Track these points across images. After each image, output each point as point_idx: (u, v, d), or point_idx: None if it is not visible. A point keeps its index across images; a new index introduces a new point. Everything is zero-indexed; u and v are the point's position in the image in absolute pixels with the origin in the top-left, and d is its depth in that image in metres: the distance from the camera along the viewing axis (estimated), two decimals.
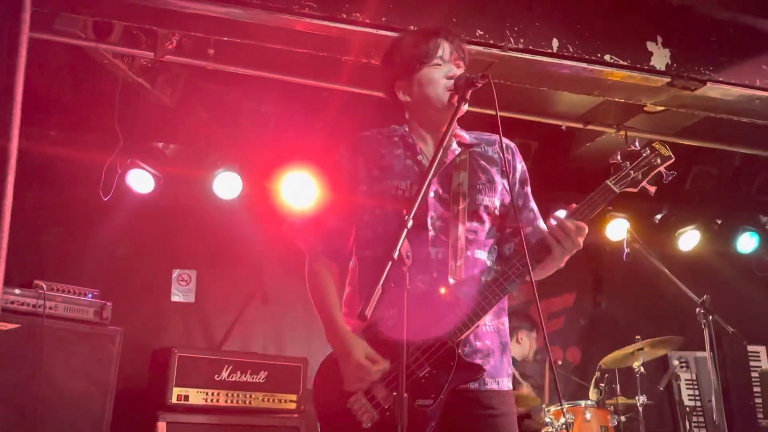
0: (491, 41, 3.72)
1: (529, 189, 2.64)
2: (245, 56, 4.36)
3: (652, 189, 2.40)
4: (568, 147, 6.13)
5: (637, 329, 5.69)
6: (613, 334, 6.15)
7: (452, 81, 2.42)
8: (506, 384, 2.44)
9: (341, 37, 3.72)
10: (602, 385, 4.98)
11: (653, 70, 4.01)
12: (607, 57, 3.93)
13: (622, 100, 4.53)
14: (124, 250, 5.46)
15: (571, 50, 3.86)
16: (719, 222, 6.78)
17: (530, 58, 3.81)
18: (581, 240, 2.34)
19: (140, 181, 5.34)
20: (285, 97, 5.35)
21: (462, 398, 2.32)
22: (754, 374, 6.58)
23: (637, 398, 4.96)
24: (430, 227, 2.40)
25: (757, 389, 6.32)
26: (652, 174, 2.37)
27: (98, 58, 4.39)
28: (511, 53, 3.77)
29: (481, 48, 3.72)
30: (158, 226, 5.57)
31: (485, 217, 2.47)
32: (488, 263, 2.49)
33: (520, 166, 2.62)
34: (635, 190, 2.39)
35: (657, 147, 2.40)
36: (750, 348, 6.82)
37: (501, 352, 2.46)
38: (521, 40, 3.77)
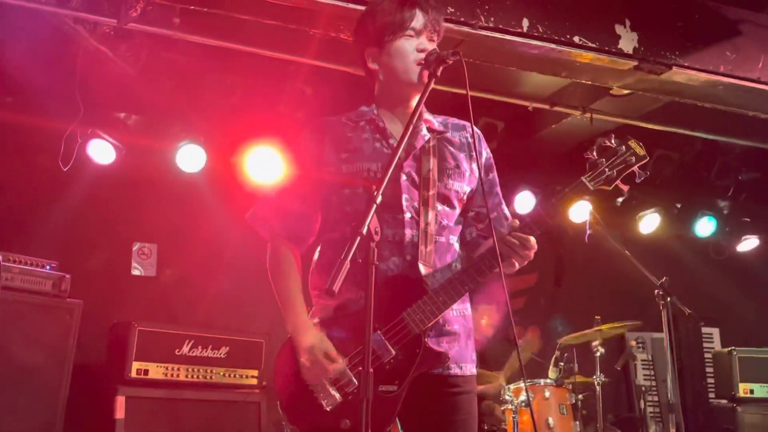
0: (462, 19, 3.70)
1: (494, 175, 2.63)
2: (212, 26, 4.27)
3: (626, 188, 2.40)
4: (534, 128, 6.15)
5: (598, 310, 5.78)
6: (574, 314, 6.24)
7: (423, 54, 2.38)
8: (470, 369, 2.46)
9: (311, 9, 3.67)
10: (561, 363, 5.06)
11: (621, 53, 4.04)
12: (576, 39, 3.94)
13: (589, 82, 4.55)
14: (83, 222, 5.34)
15: (540, 30, 3.86)
16: (679, 206, 6.91)
17: (500, 37, 3.80)
18: (530, 253, 2.39)
19: (101, 151, 5.22)
20: (251, 70, 5.26)
21: (425, 381, 2.32)
22: (707, 355, 6.75)
23: (594, 377, 5.05)
24: (405, 209, 2.37)
25: (709, 370, 6.48)
26: (627, 173, 2.36)
27: (58, 23, 4.26)
28: (482, 32, 3.76)
29: (451, 25, 3.69)
30: (119, 197, 5.47)
31: (455, 202, 2.47)
32: (457, 248, 2.49)
33: (485, 152, 2.61)
34: (609, 188, 2.39)
35: (633, 146, 2.37)
36: (704, 330, 6.99)
37: (466, 336, 2.47)
38: (492, 19, 3.76)
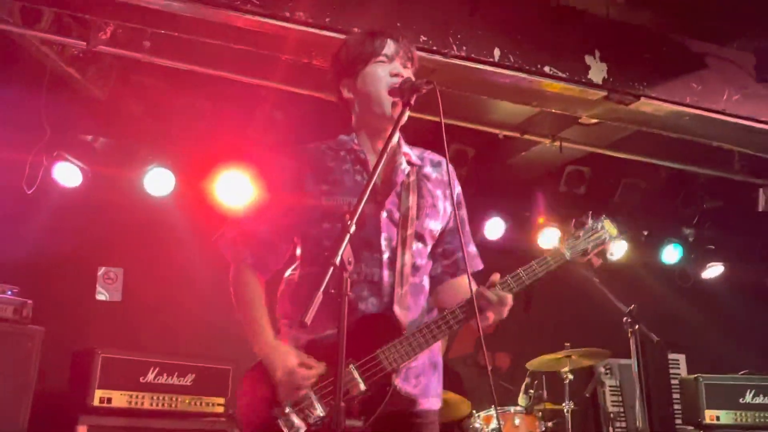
0: (434, 47, 3.72)
1: (464, 212, 2.63)
2: (182, 50, 4.25)
3: (598, 262, 2.54)
4: (504, 155, 6.21)
5: (567, 336, 5.80)
6: (543, 341, 6.24)
7: (397, 79, 2.37)
8: (435, 404, 2.45)
9: (282, 35, 3.67)
10: (531, 391, 5.06)
11: (590, 84, 4.10)
12: (546, 68, 3.99)
13: (559, 111, 4.61)
14: (47, 246, 5.23)
15: (512, 60, 3.90)
16: (646, 233, 6.98)
17: (472, 66, 3.84)
18: (505, 309, 2.43)
19: (67, 174, 5.14)
20: (221, 94, 5.24)
21: (390, 416, 2.29)
22: (674, 382, 6.79)
23: (564, 404, 5.05)
24: (384, 249, 2.33)
25: (676, 396, 6.51)
26: (600, 248, 2.51)
27: (25, 44, 4.20)
28: (454, 60, 3.79)
29: (424, 54, 3.71)
30: (85, 221, 5.37)
31: (429, 240, 2.46)
32: (428, 286, 2.49)
33: (458, 188, 2.59)
34: (583, 259, 2.52)
35: (606, 225, 2.53)
36: (670, 356, 7.04)
37: (432, 370, 2.45)
38: (464, 48, 3.79)
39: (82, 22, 3.98)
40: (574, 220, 2.52)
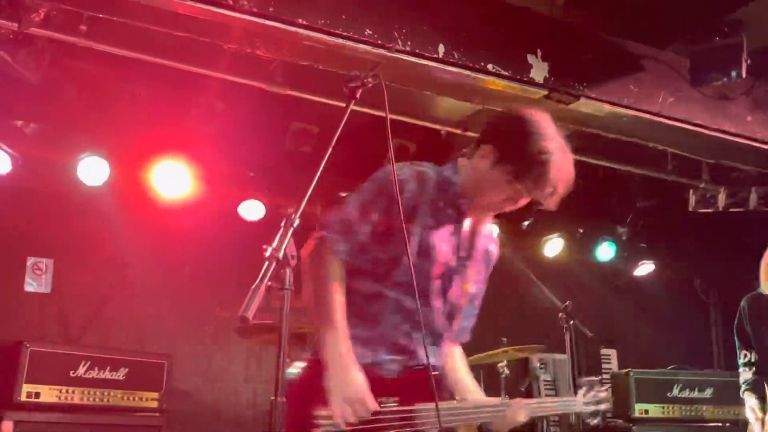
0: (379, 41, 3.71)
1: None
2: (120, 35, 4.11)
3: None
4: (446, 151, 6.23)
5: (504, 331, 5.88)
6: (482, 336, 6.30)
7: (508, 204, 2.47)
8: None
9: (225, 24, 3.59)
10: None
11: (532, 82, 4.15)
12: (489, 66, 4.02)
13: (501, 109, 4.64)
14: None
15: (456, 57, 3.92)
16: (581, 231, 7.12)
17: (416, 61, 3.83)
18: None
19: None
20: (160, 82, 5.10)
21: None
22: (605, 376, 6.96)
23: (499, 398, 5.10)
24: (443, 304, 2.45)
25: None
26: (597, 407, 2.79)
27: None
28: (398, 55, 3.77)
29: (368, 47, 3.70)
30: (13, 210, 5.18)
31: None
32: None
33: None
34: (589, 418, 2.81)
35: (605, 395, 2.81)
36: (603, 351, 7.22)
37: None
38: (409, 43, 3.78)
39: (13, 2, 3.81)
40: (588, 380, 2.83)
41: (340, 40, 3.60)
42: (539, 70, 4.16)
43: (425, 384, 2.24)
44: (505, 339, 5.28)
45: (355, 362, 2.19)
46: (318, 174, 2.13)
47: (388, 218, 2.30)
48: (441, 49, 3.87)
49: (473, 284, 2.54)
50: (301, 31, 3.52)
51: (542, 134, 2.39)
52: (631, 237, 7.26)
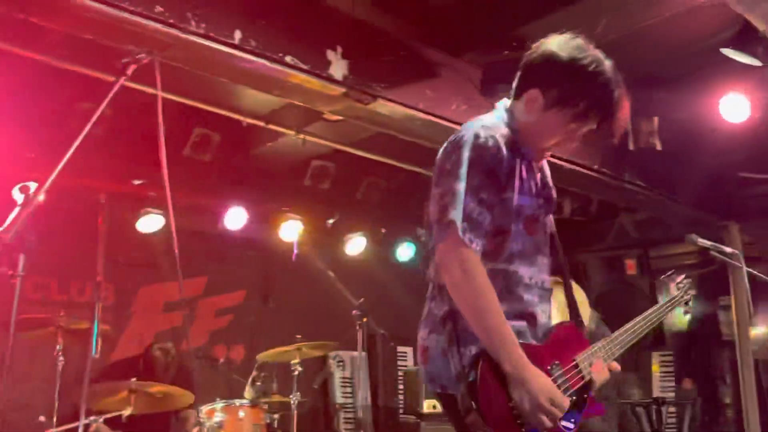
0: (170, 20, 3.51)
1: None
2: None
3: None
4: (250, 144, 6.12)
5: (302, 328, 5.85)
6: (278, 333, 6.24)
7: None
8: None
9: None
10: (258, 383, 5.01)
11: (331, 79, 4.13)
12: (288, 58, 3.95)
13: (301, 104, 4.61)
14: None
15: (253, 45, 3.81)
16: (384, 231, 7.27)
17: (210, 45, 3.68)
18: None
19: None
20: None
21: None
22: (400, 373, 7.16)
23: (291, 396, 5.07)
24: (548, 254, 2.44)
25: (401, 387, 6.87)
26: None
27: None
28: (191, 37, 3.60)
29: (158, 25, 3.49)
30: None
31: None
32: None
33: None
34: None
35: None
36: (400, 349, 7.41)
37: None
38: (203, 25, 3.62)
39: None
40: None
41: (125, 14, 3.37)
42: (339, 68, 4.15)
43: (568, 338, 2.31)
44: (299, 336, 5.24)
45: (535, 370, 2.11)
46: (71, 151, 1.96)
47: (493, 192, 2.19)
48: (237, 35, 3.75)
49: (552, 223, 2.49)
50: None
51: (595, 66, 2.26)
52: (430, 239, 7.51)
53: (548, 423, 2.06)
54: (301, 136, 5.42)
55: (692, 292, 3.02)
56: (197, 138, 5.79)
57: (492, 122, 2.32)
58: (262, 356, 5.17)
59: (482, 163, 2.16)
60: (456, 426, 2.19)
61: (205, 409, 4.68)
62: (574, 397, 2.21)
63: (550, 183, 2.47)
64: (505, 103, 2.41)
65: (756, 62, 3.96)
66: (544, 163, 2.48)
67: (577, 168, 5.54)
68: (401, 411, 6.57)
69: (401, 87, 4.43)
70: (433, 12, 4.66)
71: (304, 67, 4.01)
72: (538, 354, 2.18)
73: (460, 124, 4.69)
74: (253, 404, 4.86)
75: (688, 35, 4.68)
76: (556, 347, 2.26)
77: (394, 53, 4.46)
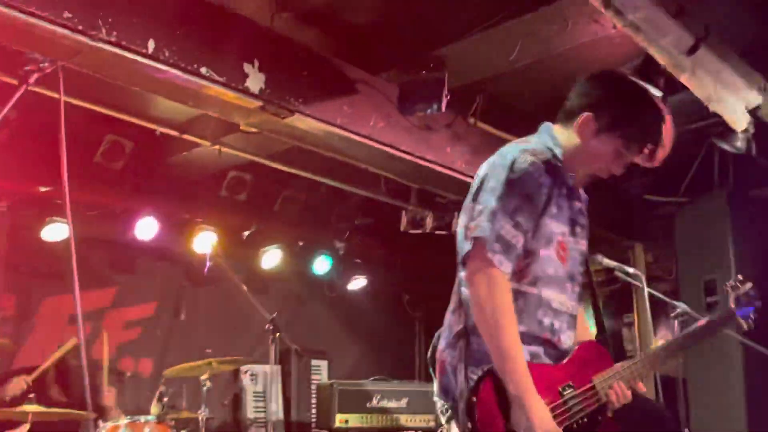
0: (80, 27, 3.40)
1: None
2: None
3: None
4: (164, 153, 5.98)
5: (214, 342, 5.75)
6: (190, 346, 6.12)
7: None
8: None
9: None
10: (165, 399, 4.89)
11: (247, 92, 4.09)
12: (203, 70, 3.90)
13: (216, 115, 4.55)
14: None
15: (167, 55, 3.74)
16: (301, 244, 7.24)
17: (122, 54, 3.59)
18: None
19: None
20: None
21: None
22: (314, 388, 7.12)
23: (199, 412, 4.97)
24: (580, 283, 2.45)
25: (315, 402, 6.83)
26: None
27: None
28: (101, 45, 3.50)
29: (67, 32, 3.38)
30: None
31: None
32: None
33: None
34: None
35: None
36: (314, 363, 7.38)
37: None
38: (114, 33, 3.53)
39: None
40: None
41: (33, 19, 3.25)
42: (256, 81, 4.12)
43: (589, 359, 2.30)
44: (209, 350, 5.15)
45: (540, 399, 2.12)
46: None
47: (529, 217, 2.23)
48: (151, 44, 3.67)
49: (587, 251, 2.50)
50: None
51: (646, 94, 2.36)
52: (347, 252, 7.53)
53: None
54: (217, 146, 5.34)
55: (758, 303, 2.79)
56: (108, 145, 5.63)
57: (536, 145, 2.36)
58: (170, 371, 5.05)
59: (522, 187, 2.21)
60: None
61: (108, 425, 4.53)
62: (585, 420, 2.23)
63: (585, 211, 2.51)
64: (548, 127, 2.46)
65: (657, 92, 4.13)
66: (582, 192, 2.53)
67: None
68: (314, 426, 6.54)
69: (319, 102, 4.42)
70: (354, 29, 4.69)
71: (220, 79, 3.96)
72: (552, 375, 2.22)
73: (377, 141, 4.80)
74: (160, 421, 4.74)
75: (598, 63, 4.86)
76: (575, 367, 2.28)
77: (312, 68, 4.46)
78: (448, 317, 2.35)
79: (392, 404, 6.33)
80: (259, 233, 6.80)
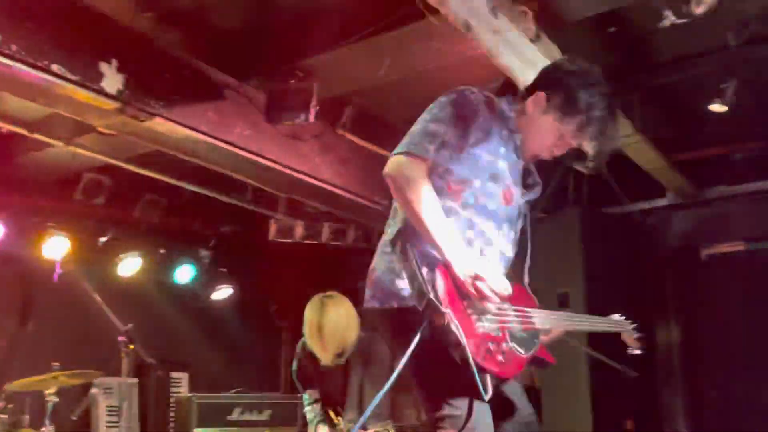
0: None
1: None
2: None
3: None
4: (14, 152, 5.59)
5: (64, 354, 5.41)
6: (36, 359, 5.73)
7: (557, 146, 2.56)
8: None
9: None
10: (5, 416, 4.55)
11: (104, 93, 3.91)
12: (55, 67, 3.68)
13: (69, 115, 4.30)
14: None
15: (13, 49, 3.50)
16: (162, 251, 6.97)
17: None
18: None
19: None
20: None
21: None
22: (172, 400, 6.86)
23: (43, 429, 4.66)
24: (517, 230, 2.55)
25: (173, 415, 6.58)
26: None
27: None
28: None
29: None
30: None
31: None
32: None
33: None
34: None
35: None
36: (174, 375, 7.11)
37: None
38: None
39: None
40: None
41: None
42: (113, 81, 3.93)
43: (520, 294, 2.43)
44: (57, 364, 4.84)
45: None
46: None
47: (463, 140, 2.36)
48: None
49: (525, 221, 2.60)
50: None
51: (593, 86, 2.48)
52: (212, 260, 7.33)
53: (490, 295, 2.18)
54: (71, 148, 5.04)
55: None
56: None
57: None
58: (11, 385, 4.71)
59: (456, 106, 2.37)
60: (396, 341, 2.31)
61: None
62: (524, 335, 2.36)
63: (537, 179, 2.64)
64: (507, 97, 2.59)
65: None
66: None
67: (360, 200, 5.69)
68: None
69: (182, 107, 4.28)
70: (221, 34, 4.58)
71: (73, 77, 3.75)
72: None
73: (243, 149, 4.70)
74: None
75: (464, 81, 4.99)
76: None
77: (176, 71, 4.31)
78: (382, 239, 2.46)
79: (254, 417, 6.20)
80: (117, 239, 6.49)
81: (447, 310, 2.09)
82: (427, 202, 2.24)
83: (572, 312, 2.88)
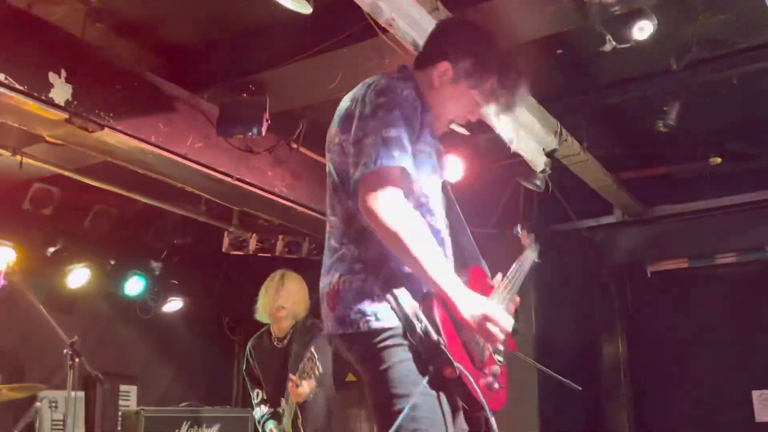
0: None
1: None
2: None
3: None
4: None
5: (7, 367, 5.32)
6: None
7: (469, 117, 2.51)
8: None
9: None
10: None
11: (51, 103, 3.86)
12: (1, 77, 3.63)
13: (15, 125, 4.25)
14: None
15: None
16: (112, 263, 6.88)
17: None
18: None
19: None
20: None
21: None
22: (121, 414, 6.76)
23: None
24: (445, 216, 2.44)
25: (120, 429, 6.49)
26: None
27: None
28: None
29: None
30: None
31: None
32: None
33: None
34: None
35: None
36: (123, 388, 7.01)
37: None
38: None
39: None
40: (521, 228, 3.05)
41: None
42: (61, 92, 3.89)
43: (480, 279, 2.44)
44: None
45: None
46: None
47: (409, 138, 2.19)
48: None
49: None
50: None
51: (494, 42, 2.42)
52: (164, 272, 7.26)
53: (500, 336, 2.09)
54: (19, 157, 4.97)
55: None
56: None
57: (400, 80, 2.28)
58: None
59: (402, 109, 2.17)
60: (367, 365, 2.14)
61: None
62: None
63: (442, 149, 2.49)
64: (406, 68, 2.43)
65: (465, 131, 4.39)
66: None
67: (313, 213, 5.71)
68: None
69: (133, 118, 4.26)
70: (173, 46, 4.58)
71: (19, 87, 3.70)
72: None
73: (194, 161, 4.68)
74: None
75: None
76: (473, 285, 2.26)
77: (127, 83, 4.29)
78: (337, 252, 2.24)
79: (203, 431, 6.15)
80: (66, 250, 6.38)
81: (459, 366, 2.00)
82: (418, 237, 2.06)
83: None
